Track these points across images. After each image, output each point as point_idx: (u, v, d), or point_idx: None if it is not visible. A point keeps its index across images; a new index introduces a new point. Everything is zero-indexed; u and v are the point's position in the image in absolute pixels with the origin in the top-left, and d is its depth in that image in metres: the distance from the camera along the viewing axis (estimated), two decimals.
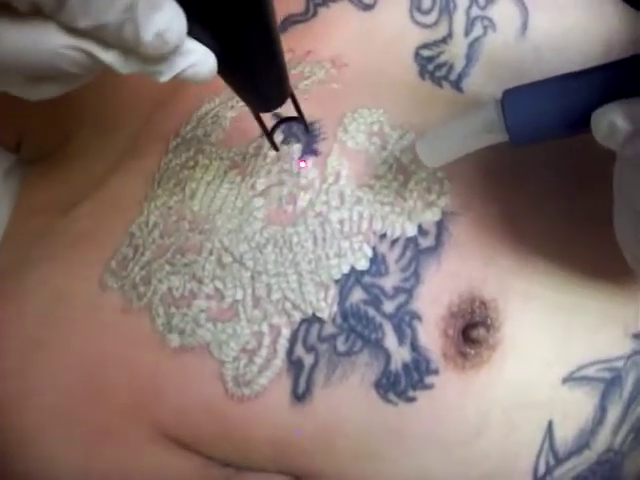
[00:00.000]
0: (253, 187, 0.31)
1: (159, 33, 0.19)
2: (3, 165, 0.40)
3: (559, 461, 0.31)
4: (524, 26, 0.34)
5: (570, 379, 0.31)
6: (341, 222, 0.30)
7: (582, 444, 0.31)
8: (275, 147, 0.30)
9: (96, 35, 0.19)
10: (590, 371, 0.31)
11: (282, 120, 0.31)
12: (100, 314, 0.30)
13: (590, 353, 0.31)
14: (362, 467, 0.31)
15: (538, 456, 0.31)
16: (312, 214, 0.30)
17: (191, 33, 0.21)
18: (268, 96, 0.26)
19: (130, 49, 0.20)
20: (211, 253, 0.30)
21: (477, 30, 0.34)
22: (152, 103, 0.37)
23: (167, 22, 0.19)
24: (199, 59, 0.21)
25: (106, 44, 0.19)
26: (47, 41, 0.19)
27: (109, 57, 0.20)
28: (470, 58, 0.34)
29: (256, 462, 0.31)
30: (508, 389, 0.30)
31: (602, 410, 0.31)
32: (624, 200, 0.24)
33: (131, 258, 0.31)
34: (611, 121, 0.22)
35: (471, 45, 0.34)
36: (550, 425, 0.31)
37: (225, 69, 0.23)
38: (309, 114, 0.32)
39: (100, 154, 0.37)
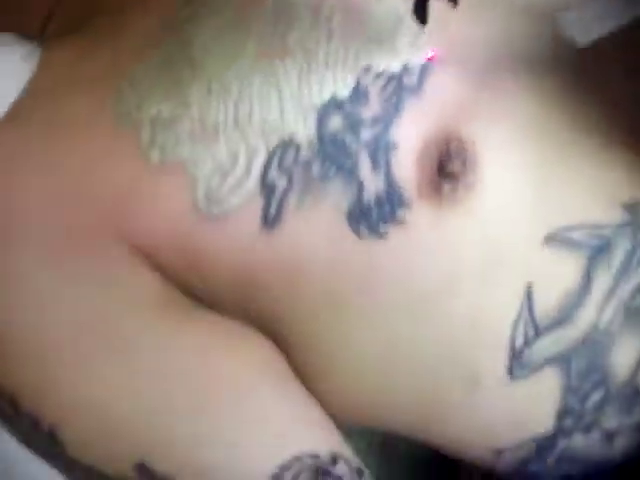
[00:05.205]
0: (248, 30, 0.32)
1: None
2: (22, 49, 0.41)
3: (539, 332, 0.30)
4: None
5: (552, 240, 0.29)
6: (327, 55, 0.30)
7: (565, 315, 0.30)
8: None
9: None
10: (575, 234, 0.30)
11: None
12: (93, 135, 0.32)
13: (575, 214, 0.30)
14: (329, 320, 0.30)
15: (516, 323, 0.30)
16: (300, 49, 0.30)
17: None
18: None
19: None
20: (201, 84, 0.31)
21: None
22: None
23: None
24: None
25: None
26: None
27: None
28: None
29: (218, 295, 0.30)
30: (484, 240, 0.29)
31: (587, 279, 0.30)
32: None
33: (129, 91, 0.32)
34: None
35: None
36: (529, 289, 0.29)
37: None
38: None
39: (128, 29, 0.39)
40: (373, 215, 0.29)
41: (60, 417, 0.30)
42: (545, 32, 0.32)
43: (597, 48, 0.29)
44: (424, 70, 0.30)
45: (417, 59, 0.30)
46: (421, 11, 0.28)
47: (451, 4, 0.27)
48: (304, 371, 0.32)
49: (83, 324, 0.30)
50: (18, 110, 0.34)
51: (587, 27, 0.26)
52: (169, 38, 0.34)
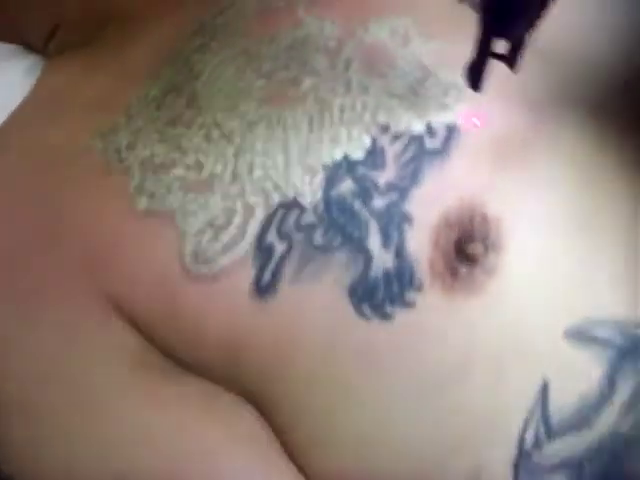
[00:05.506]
0: (258, 69, 0.29)
1: None
2: (25, 62, 0.39)
3: (552, 434, 0.27)
4: None
5: (574, 334, 0.26)
6: (342, 109, 0.27)
7: (582, 419, 0.26)
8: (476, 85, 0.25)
9: None
10: (600, 331, 0.26)
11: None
12: (79, 172, 0.29)
13: (602, 309, 0.26)
14: (321, 396, 0.27)
15: (527, 421, 0.26)
16: (313, 98, 0.27)
17: None
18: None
19: None
20: (201, 127, 0.28)
21: None
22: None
23: None
24: None
25: None
26: None
27: None
28: None
29: (203, 359, 0.28)
30: (500, 327, 0.26)
31: (610, 383, 0.26)
32: None
33: (123, 125, 0.29)
34: None
35: None
36: (545, 385, 0.26)
37: None
38: (330, 18, 0.30)
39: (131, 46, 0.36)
40: (379, 294, 0.25)
41: (19, 472, 0.27)
42: (583, 76, 0.29)
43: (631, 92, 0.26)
44: (450, 132, 0.27)
45: (443, 119, 0.27)
46: (477, 75, 0.23)
47: (511, 68, 0.23)
48: (289, 439, 0.29)
49: (49, 376, 0.27)
50: (4, 132, 0.31)
51: None
52: (174, 67, 0.31)
